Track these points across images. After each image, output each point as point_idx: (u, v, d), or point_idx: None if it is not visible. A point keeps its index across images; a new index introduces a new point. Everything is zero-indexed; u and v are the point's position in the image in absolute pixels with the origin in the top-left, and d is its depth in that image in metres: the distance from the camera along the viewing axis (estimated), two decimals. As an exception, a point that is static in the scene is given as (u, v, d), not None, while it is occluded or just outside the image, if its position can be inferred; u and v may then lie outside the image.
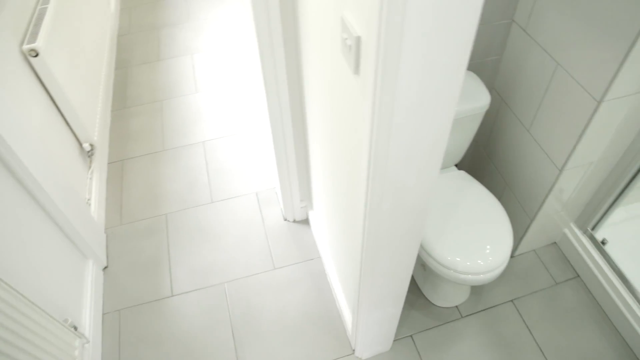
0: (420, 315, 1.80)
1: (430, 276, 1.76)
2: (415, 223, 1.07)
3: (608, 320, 1.76)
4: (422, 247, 1.57)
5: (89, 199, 2.05)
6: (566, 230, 1.91)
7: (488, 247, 1.52)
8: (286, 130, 1.67)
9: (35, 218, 1.52)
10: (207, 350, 1.74)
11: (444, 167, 1.82)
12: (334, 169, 1.32)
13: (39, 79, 1.85)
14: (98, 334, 1.76)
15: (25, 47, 1.75)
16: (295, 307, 1.84)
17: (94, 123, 2.28)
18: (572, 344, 1.71)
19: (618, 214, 1.92)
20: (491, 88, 1.81)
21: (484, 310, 1.81)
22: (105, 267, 1.99)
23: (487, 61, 1.71)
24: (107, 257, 2.02)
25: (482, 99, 1.59)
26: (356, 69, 0.85)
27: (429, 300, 1.84)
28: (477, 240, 1.54)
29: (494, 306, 1.82)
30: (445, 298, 1.80)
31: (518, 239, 1.91)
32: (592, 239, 1.82)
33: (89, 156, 2.18)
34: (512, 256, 1.97)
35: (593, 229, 1.81)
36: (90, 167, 2.16)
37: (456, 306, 1.83)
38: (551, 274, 1.90)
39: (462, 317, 1.80)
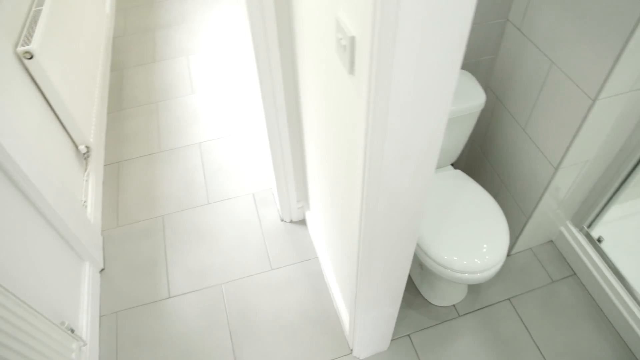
0: (417, 314, 1.81)
1: (428, 275, 1.77)
2: (411, 222, 1.07)
3: (604, 317, 1.77)
4: (418, 246, 1.57)
5: (85, 201, 2.04)
6: (562, 228, 1.92)
7: (485, 245, 1.53)
8: (282, 130, 1.67)
9: (31, 221, 1.51)
10: (204, 352, 1.74)
11: (440, 166, 1.82)
12: (330, 169, 1.32)
13: (34, 81, 1.85)
14: (95, 336, 1.76)
15: (20, 49, 1.74)
16: (292, 307, 1.84)
17: (90, 125, 2.27)
18: (569, 341, 1.72)
19: (614, 212, 1.93)
20: (486, 87, 1.81)
21: (481, 308, 1.82)
22: (102, 269, 1.98)
23: (482, 60, 1.71)
24: (104, 259, 2.02)
25: (477, 98, 1.59)
26: (351, 68, 0.85)
27: (426, 300, 1.84)
28: (473, 239, 1.54)
29: (491, 305, 1.83)
30: (442, 297, 1.80)
31: (514, 237, 1.92)
32: (588, 236, 1.82)
33: (84, 158, 2.17)
34: (508, 254, 1.98)
35: (589, 226, 1.82)
36: (86, 169, 2.16)
37: (453, 305, 1.83)
38: (548, 272, 1.91)
39: (459, 315, 1.80)
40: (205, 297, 1.88)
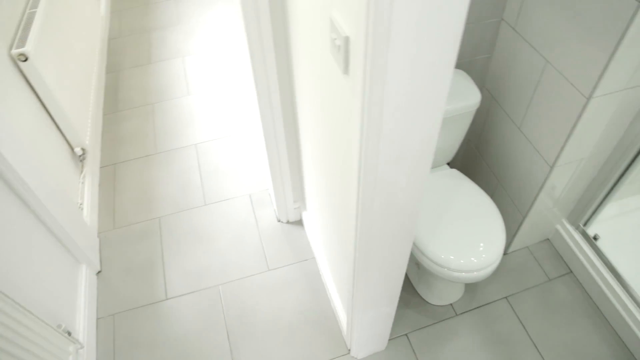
0: (415, 313, 1.81)
1: (425, 275, 1.77)
2: (407, 222, 1.08)
3: (601, 315, 1.78)
4: (415, 245, 1.58)
5: (81, 204, 2.04)
6: (558, 227, 1.93)
7: (481, 244, 1.53)
8: (278, 131, 1.67)
9: (26, 223, 1.51)
10: (202, 353, 1.74)
11: (436, 165, 1.83)
12: (326, 169, 1.32)
13: (29, 83, 1.84)
14: (92, 339, 1.75)
15: (14, 51, 1.74)
16: (290, 308, 1.84)
17: (86, 127, 2.27)
18: (566, 339, 1.72)
19: (609, 210, 1.94)
20: (482, 86, 1.82)
21: (478, 307, 1.82)
22: (99, 272, 1.98)
23: (478, 60, 1.72)
24: (101, 261, 2.01)
25: (472, 97, 1.60)
26: (345, 68, 0.85)
27: (423, 299, 1.84)
28: (470, 238, 1.55)
29: (488, 303, 1.83)
30: (439, 296, 1.80)
31: (511, 236, 1.92)
32: (584, 234, 1.83)
33: (80, 160, 2.17)
34: (505, 253, 1.98)
35: (585, 224, 1.83)
36: (82, 172, 2.15)
37: (450, 304, 1.83)
38: (544, 270, 1.91)
39: (456, 314, 1.81)
40: (203, 299, 1.88)
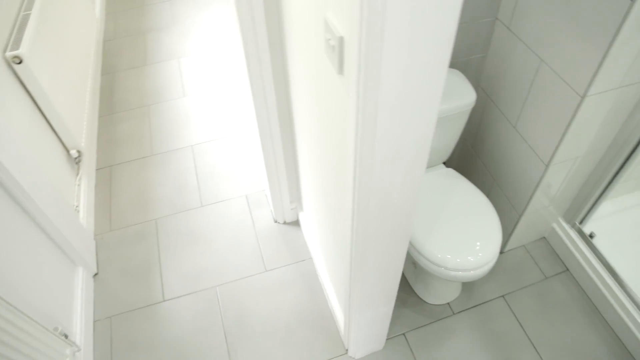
0: (412, 313, 1.81)
1: (421, 274, 1.77)
2: (403, 221, 1.08)
3: (597, 312, 1.78)
4: (412, 245, 1.58)
5: (77, 206, 2.03)
6: (554, 225, 1.93)
7: (478, 243, 1.53)
8: (274, 131, 1.67)
9: (22, 226, 1.50)
10: (200, 355, 1.73)
11: (432, 165, 1.83)
12: (322, 169, 1.32)
13: (24, 86, 1.83)
14: (89, 341, 1.75)
15: (9, 54, 1.73)
16: (287, 308, 1.84)
17: (81, 129, 2.26)
18: (562, 337, 1.73)
19: (605, 208, 1.94)
20: (477, 85, 1.82)
21: (475, 306, 1.83)
22: (96, 274, 1.97)
23: (473, 59, 1.72)
24: (97, 263, 2.01)
25: (468, 97, 1.60)
26: (340, 69, 0.86)
27: (420, 298, 1.84)
28: (466, 237, 1.55)
29: (485, 302, 1.83)
30: (436, 295, 1.81)
31: (507, 234, 1.93)
32: (580, 232, 1.84)
33: (76, 163, 2.16)
34: (501, 252, 1.99)
35: (581, 222, 1.83)
36: (78, 174, 2.15)
37: (448, 303, 1.84)
38: (541, 269, 1.92)
39: (453, 313, 1.81)
40: (200, 300, 1.88)
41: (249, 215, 2.15)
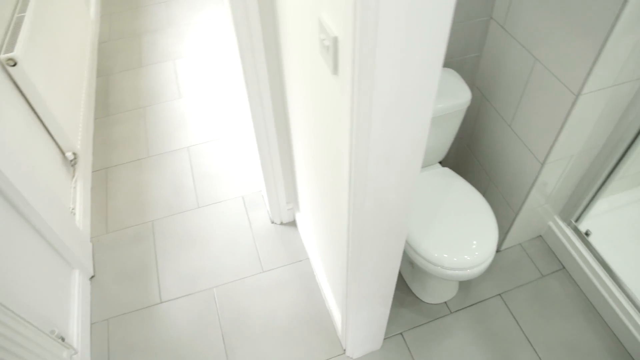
0: (409, 312, 1.81)
1: (418, 273, 1.78)
2: (399, 221, 1.08)
3: (594, 310, 1.79)
4: (408, 244, 1.58)
5: (73, 209, 2.03)
6: (550, 223, 1.94)
7: (474, 242, 1.54)
8: (269, 132, 1.67)
9: (18, 229, 1.50)
10: (197, 356, 1.73)
11: (428, 164, 1.83)
12: (318, 169, 1.32)
13: (18, 88, 1.83)
14: (86, 344, 1.74)
15: (3, 56, 1.73)
16: (285, 309, 1.84)
17: (77, 131, 2.26)
18: (559, 335, 1.74)
19: (600, 205, 1.95)
20: (472, 85, 1.83)
21: (472, 305, 1.83)
22: (92, 277, 1.97)
23: (468, 58, 1.72)
24: (94, 266, 2.00)
25: (463, 96, 1.61)
26: (335, 69, 0.86)
27: (417, 298, 1.85)
28: (463, 235, 1.55)
29: (482, 301, 1.84)
30: (433, 294, 1.81)
31: (503, 233, 1.93)
32: (576, 230, 1.84)
33: (72, 165, 2.16)
34: (498, 250, 1.99)
35: (577, 220, 1.84)
36: (73, 176, 2.14)
37: (445, 302, 1.84)
38: (537, 267, 1.92)
39: (451, 312, 1.81)
40: (197, 301, 1.88)
41: (246, 216, 2.15)
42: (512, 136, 1.69)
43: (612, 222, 1.91)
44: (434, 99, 0.81)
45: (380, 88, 0.74)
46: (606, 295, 1.73)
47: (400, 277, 1.92)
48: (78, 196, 2.10)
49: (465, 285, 1.88)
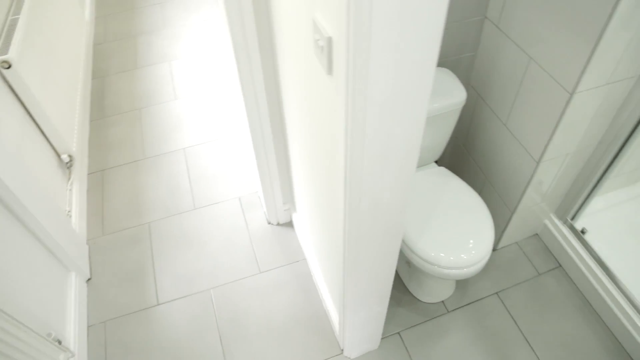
0: (406, 312, 1.82)
1: (415, 273, 1.78)
2: (394, 221, 1.08)
3: (590, 307, 1.80)
4: (405, 244, 1.58)
5: (69, 211, 2.02)
6: (547, 221, 1.94)
7: (471, 241, 1.54)
8: (265, 133, 1.67)
9: (13, 232, 1.49)
10: (195, 358, 1.73)
11: (424, 163, 1.84)
12: (314, 170, 1.32)
13: (13, 91, 1.82)
14: (83, 347, 1.74)
15: (-3, 59, 1.72)
16: (282, 309, 1.84)
17: (72, 134, 2.25)
18: (557, 333, 1.74)
19: (596, 204, 1.96)
20: (467, 84, 1.83)
21: (469, 304, 1.83)
22: (89, 279, 1.96)
23: (462, 58, 1.73)
24: (91, 268, 2.00)
25: (458, 95, 1.61)
26: (329, 69, 0.86)
27: (415, 297, 1.85)
28: (459, 235, 1.56)
29: (479, 299, 1.84)
30: (430, 294, 1.81)
31: (500, 231, 1.94)
32: (572, 228, 1.85)
33: (67, 167, 2.15)
34: (495, 249, 2.00)
35: (572, 219, 1.85)
36: (69, 179, 2.14)
37: (442, 301, 1.84)
38: (534, 265, 1.93)
39: (448, 311, 1.81)
40: (194, 303, 1.87)
41: (242, 217, 2.15)
42: (507, 135, 1.70)
43: (607, 220, 1.92)
44: (429, 98, 0.81)
45: (374, 88, 0.74)
46: (602, 293, 1.74)
47: (397, 277, 1.92)
48: (74, 198, 2.10)
49: (462, 284, 1.89)
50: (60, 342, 1.53)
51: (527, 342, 1.72)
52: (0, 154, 1.43)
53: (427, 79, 0.77)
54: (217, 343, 1.76)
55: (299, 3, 0.94)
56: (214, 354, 1.74)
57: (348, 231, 1.07)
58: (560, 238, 1.89)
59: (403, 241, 1.59)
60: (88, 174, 2.36)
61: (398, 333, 1.76)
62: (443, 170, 1.77)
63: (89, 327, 1.82)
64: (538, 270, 1.92)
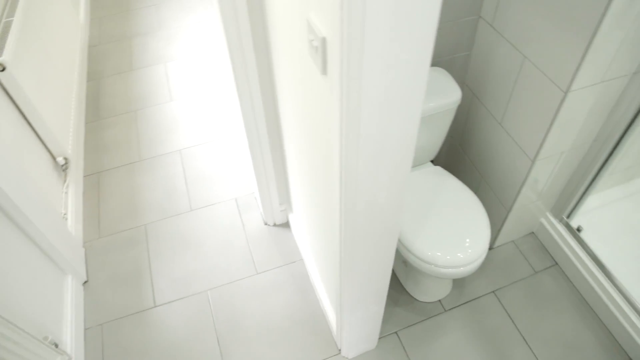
0: (404, 311, 1.82)
1: (412, 272, 1.78)
2: (390, 221, 1.08)
3: (586, 305, 1.80)
4: (401, 243, 1.58)
5: (65, 214, 2.01)
6: (542, 220, 1.95)
7: (467, 240, 1.54)
8: (261, 134, 1.67)
9: (9, 235, 1.49)
10: (193, 359, 1.73)
11: (420, 163, 1.84)
12: (309, 170, 1.32)
13: (7, 93, 1.82)
14: (80, 350, 1.73)
15: (-8, 61, 1.72)
16: (279, 310, 1.84)
17: (68, 136, 2.24)
18: (554, 330, 1.75)
19: (591, 202, 1.97)
20: (462, 83, 1.83)
21: (466, 302, 1.84)
22: (86, 282, 1.96)
23: (457, 57, 1.73)
24: (87, 271, 1.99)
25: (453, 95, 1.61)
26: (323, 69, 0.86)
27: (412, 296, 1.85)
28: (455, 234, 1.56)
29: (476, 298, 1.85)
30: (427, 293, 1.81)
31: (496, 230, 1.94)
32: (568, 226, 1.86)
33: (63, 170, 2.15)
34: (491, 248, 2.00)
35: (568, 217, 1.85)
36: (65, 181, 2.13)
37: (439, 300, 1.85)
38: (530, 263, 1.94)
39: (445, 310, 1.82)
40: (192, 304, 1.87)
41: (239, 218, 2.15)
42: (502, 134, 1.70)
43: (603, 218, 1.92)
44: (423, 97, 0.81)
45: (368, 87, 0.74)
46: (598, 290, 1.75)
47: (394, 276, 1.92)
48: (70, 201, 2.09)
49: (459, 283, 1.89)
50: (57, 346, 1.52)
51: (524, 339, 1.73)
52: (-5, 157, 1.42)
53: (421, 79, 0.77)
54: (215, 344, 1.76)
55: (293, 3, 0.94)
56: (211, 355, 1.74)
57: (344, 231, 1.07)
58: (556, 236, 1.90)
59: (399, 240, 1.59)
60: (84, 177, 2.36)
61: (395, 332, 1.76)
62: (439, 169, 1.77)
63: (85, 330, 1.82)
64: (534, 268, 1.92)
